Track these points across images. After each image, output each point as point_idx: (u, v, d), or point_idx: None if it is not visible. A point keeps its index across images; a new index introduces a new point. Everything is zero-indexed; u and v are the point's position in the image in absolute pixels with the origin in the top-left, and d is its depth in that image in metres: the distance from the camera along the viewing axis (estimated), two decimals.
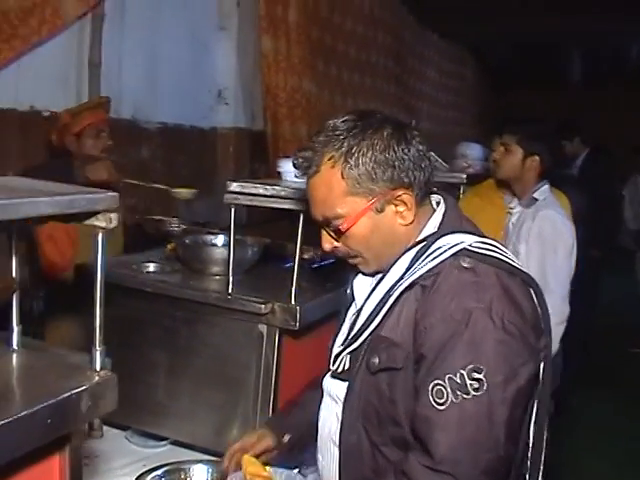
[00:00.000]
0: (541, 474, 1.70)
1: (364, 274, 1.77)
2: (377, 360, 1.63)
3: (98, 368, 1.41)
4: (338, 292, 2.51)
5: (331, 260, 2.76)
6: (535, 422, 1.65)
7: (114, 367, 2.39)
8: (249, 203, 2.15)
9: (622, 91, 12.82)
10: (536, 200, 3.40)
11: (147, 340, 2.39)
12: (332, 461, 1.77)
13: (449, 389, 1.48)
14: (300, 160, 1.67)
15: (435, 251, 1.61)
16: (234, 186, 2.16)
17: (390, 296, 1.63)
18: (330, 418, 1.79)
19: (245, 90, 5.86)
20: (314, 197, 1.68)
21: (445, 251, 1.60)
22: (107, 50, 4.37)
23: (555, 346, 3.22)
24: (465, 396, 1.46)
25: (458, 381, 1.47)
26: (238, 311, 2.19)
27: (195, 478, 2.13)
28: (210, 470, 2.15)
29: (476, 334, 1.49)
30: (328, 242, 1.71)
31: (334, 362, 1.79)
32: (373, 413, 1.66)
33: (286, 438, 1.97)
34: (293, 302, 2.16)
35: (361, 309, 1.72)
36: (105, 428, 2.56)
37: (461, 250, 1.60)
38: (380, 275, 1.71)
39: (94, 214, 1.32)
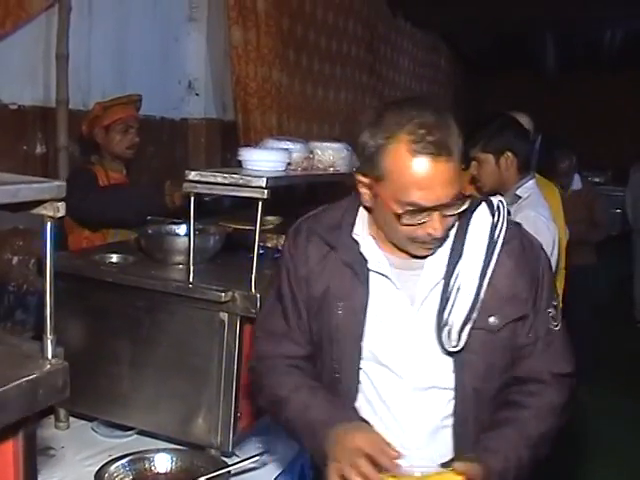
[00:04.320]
0: None
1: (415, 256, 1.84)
2: (496, 319, 1.83)
3: (50, 357, 1.41)
4: None
5: None
6: None
7: (80, 358, 2.41)
8: (208, 192, 2.15)
9: (597, 76, 12.90)
10: (519, 198, 3.23)
11: (111, 331, 2.39)
12: (434, 441, 1.88)
13: (554, 313, 1.91)
14: (433, 141, 1.65)
15: (501, 211, 1.87)
16: (193, 175, 2.17)
17: (490, 260, 1.82)
18: (428, 405, 1.87)
19: (216, 81, 5.84)
20: (444, 179, 1.67)
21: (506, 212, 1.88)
22: (75, 42, 4.33)
23: None
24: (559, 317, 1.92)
25: (555, 306, 1.92)
26: (199, 300, 2.20)
27: (158, 467, 2.14)
28: (173, 458, 2.16)
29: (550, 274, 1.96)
30: (442, 227, 1.74)
31: (444, 343, 1.82)
32: (491, 372, 1.86)
33: None
34: (253, 290, 2.17)
35: (448, 282, 1.82)
36: (71, 419, 2.57)
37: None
38: (449, 245, 1.84)
39: (41, 203, 1.32)
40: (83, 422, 2.58)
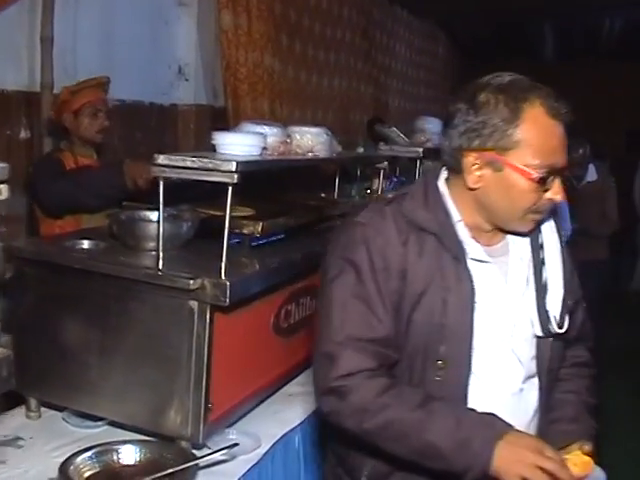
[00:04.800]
0: None
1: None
2: (570, 299, 1.91)
3: None
4: (274, 268, 2.48)
5: (274, 237, 2.71)
6: None
7: (49, 346, 2.36)
8: (176, 176, 2.08)
9: (596, 66, 12.82)
10: None
11: (80, 319, 2.32)
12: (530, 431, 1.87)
13: None
14: (559, 106, 1.73)
15: None
16: (161, 159, 2.10)
17: (562, 242, 1.94)
18: (528, 394, 1.91)
19: (206, 66, 5.78)
20: (565, 143, 1.74)
21: None
22: (60, 25, 4.28)
23: None
24: None
25: None
26: (168, 287, 2.12)
27: (125, 458, 2.08)
28: (141, 450, 2.10)
29: None
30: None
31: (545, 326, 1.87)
32: (562, 354, 1.99)
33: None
34: (223, 277, 2.10)
35: (540, 268, 1.89)
36: (43, 409, 2.51)
37: None
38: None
39: None
40: (54, 412, 2.51)
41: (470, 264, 1.80)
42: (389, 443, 1.74)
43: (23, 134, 4.24)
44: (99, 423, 2.42)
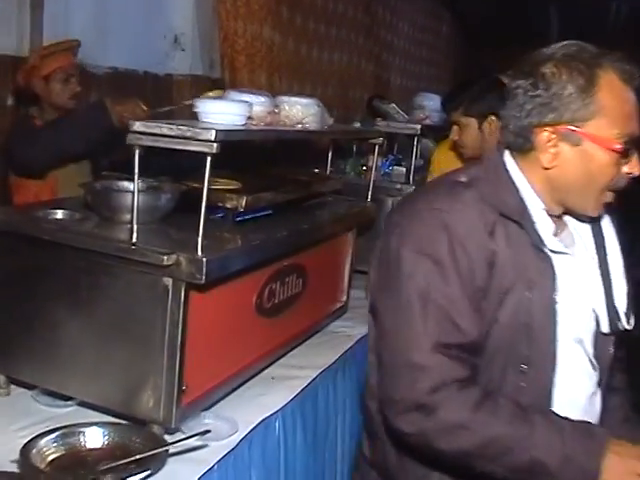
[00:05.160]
0: None
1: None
2: None
3: None
4: (257, 245, 2.35)
5: (260, 213, 2.58)
6: None
7: (18, 322, 2.24)
8: (153, 144, 1.95)
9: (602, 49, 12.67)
10: None
11: (49, 293, 2.19)
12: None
13: None
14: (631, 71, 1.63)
15: None
16: (137, 125, 1.96)
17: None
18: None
19: (203, 36, 5.62)
20: (638, 111, 1.65)
21: None
22: None
23: None
24: None
25: None
26: (141, 263, 1.99)
27: (90, 441, 1.97)
28: (106, 432, 1.99)
29: None
30: None
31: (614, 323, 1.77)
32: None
33: None
34: (199, 254, 1.97)
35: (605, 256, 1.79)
36: (12, 387, 2.40)
37: None
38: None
39: None
40: (23, 390, 2.39)
41: (551, 256, 1.66)
42: (487, 462, 1.57)
43: (10, 100, 4.10)
44: (69, 402, 2.30)
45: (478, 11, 11.74)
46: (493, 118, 3.00)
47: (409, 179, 4.10)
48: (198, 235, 2.00)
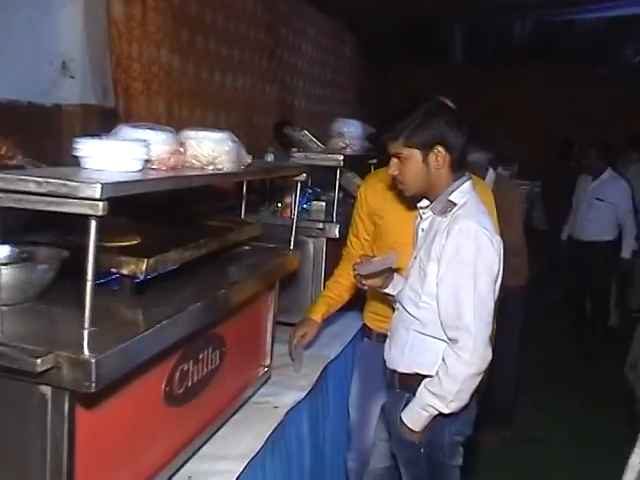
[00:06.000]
0: None
1: None
2: None
3: None
4: (162, 326, 1.82)
5: (165, 274, 2.08)
6: None
7: None
8: (16, 205, 1.44)
9: (505, 69, 12.63)
10: (453, 205, 2.60)
11: None
12: None
13: None
14: None
15: None
16: None
17: None
18: None
19: (95, 61, 5.07)
20: None
21: None
22: None
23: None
24: None
25: None
26: (4, 368, 1.47)
27: None
28: None
29: None
30: None
31: None
32: None
33: None
34: (86, 353, 1.46)
35: None
36: None
37: None
38: None
39: None
40: None
41: None
42: None
43: None
44: None
45: (381, 31, 11.50)
46: (438, 148, 2.57)
47: (332, 216, 3.65)
48: (83, 325, 1.49)
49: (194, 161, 2.09)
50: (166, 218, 2.62)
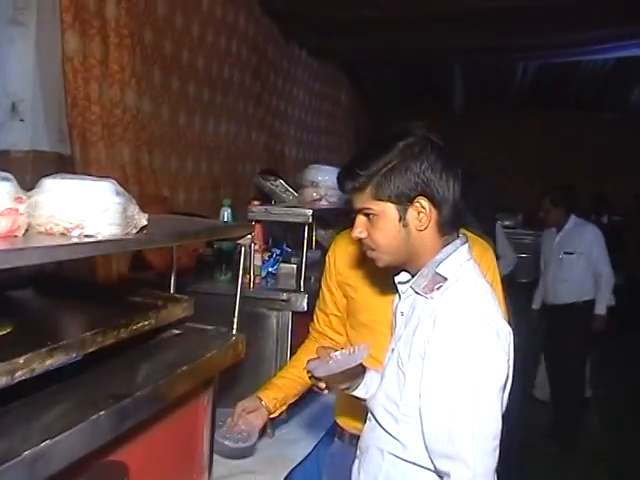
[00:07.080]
0: None
1: None
2: None
3: None
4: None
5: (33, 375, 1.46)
6: None
7: None
8: None
9: (507, 114, 12.26)
10: (443, 280, 1.90)
11: None
12: None
13: None
14: None
15: None
16: None
17: None
18: None
19: (49, 103, 4.53)
20: None
21: None
22: None
23: None
24: None
25: None
26: None
27: None
28: None
29: None
30: None
31: None
32: None
33: None
34: None
35: None
36: None
37: None
38: None
39: None
40: None
41: None
42: None
43: None
44: None
45: (380, 76, 11.10)
46: (420, 202, 1.87)
47: (299, 285, 3.01)
48: None
49: (51, 225, 1.47)
50: (74, 294, 2.01)
